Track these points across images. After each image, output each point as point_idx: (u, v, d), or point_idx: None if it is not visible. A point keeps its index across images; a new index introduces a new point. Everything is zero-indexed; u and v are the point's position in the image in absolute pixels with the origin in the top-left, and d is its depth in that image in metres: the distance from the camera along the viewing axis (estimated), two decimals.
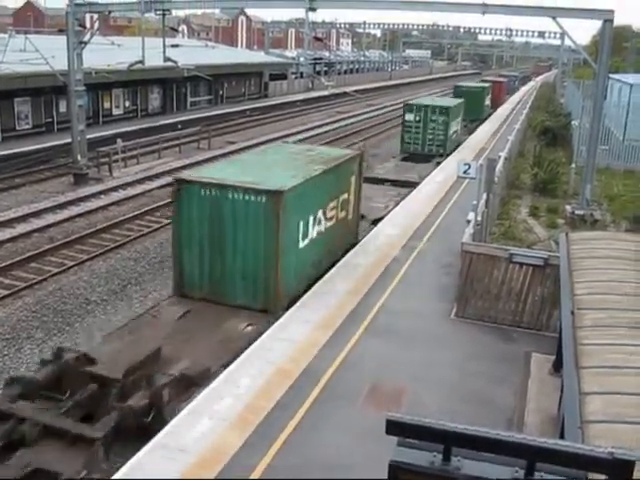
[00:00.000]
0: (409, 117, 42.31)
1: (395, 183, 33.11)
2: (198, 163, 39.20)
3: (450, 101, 48.13)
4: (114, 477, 9.90)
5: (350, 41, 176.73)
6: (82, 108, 34.62)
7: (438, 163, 38.28)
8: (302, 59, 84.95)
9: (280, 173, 17.35)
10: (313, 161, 19.21)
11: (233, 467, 10.24)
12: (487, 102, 65.60)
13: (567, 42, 78.23)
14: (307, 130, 55.30)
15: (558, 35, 77.21)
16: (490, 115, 64.22)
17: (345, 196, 20.18)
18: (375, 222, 25.08)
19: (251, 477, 10.07)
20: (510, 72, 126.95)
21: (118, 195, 31.38)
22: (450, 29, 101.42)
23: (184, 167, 37.76)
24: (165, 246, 24.71)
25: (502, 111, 67.95)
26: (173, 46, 41.57)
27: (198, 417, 11.50)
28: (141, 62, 34.75)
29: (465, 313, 16.64)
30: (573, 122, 46.33)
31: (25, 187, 32.46)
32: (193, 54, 52.14)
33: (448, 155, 40.29)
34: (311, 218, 17.58)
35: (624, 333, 9.20)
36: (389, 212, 26.31)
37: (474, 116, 57.84)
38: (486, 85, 68.01)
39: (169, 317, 15.58)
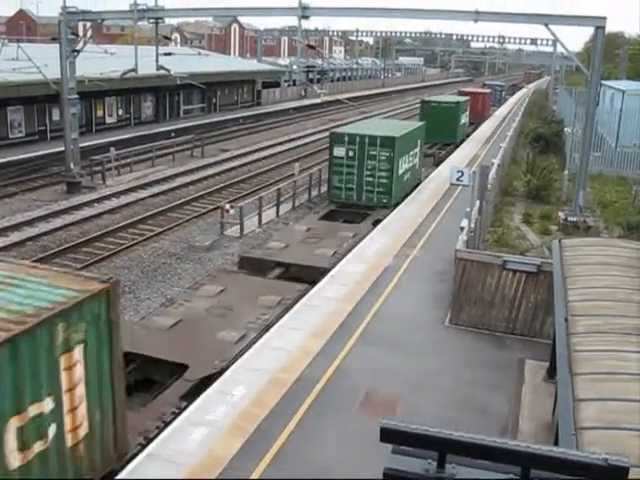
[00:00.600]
0: (338, 152, 30.05)
1: (288, 270, 21.17)
2: (191, 171, 39.25)
3: (401, 127, 35.51)
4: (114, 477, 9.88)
5: (343, 49, 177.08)
6: (75, 116, 34.60)
7: (376, 222, 26.98)
8: (295, 67, 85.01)
9: None
10: None
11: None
12: (464, 120, 54.10)
13: (559, 49, 78.71)
14: (300, 138, 55.38)
15: (550, 42, 77.68)
16: (469, 136, 53.89)
17: (35, 410, 8.79)
18: (192, 391, 13.18)
19: (251, 477, 10.07)
20: (494, 81, 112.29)
21: (111, 203, 31.32)
22: (443, 36, 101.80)
23: (177, 175, 37.83)
24: (159, 254, 24.75)
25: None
26: (166, 54, 41.52)
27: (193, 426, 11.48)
28: (134, 70, 34.75)
29: (459, 320, 16.65)
30: (566, 129, 46.50)
31: (18, 195, 32.39)
32: (186, 62, 52.17)
33: (396, 205, 29.35)
34: None
35: (618, 339, 9.21)
36: (229, 365, 14.05)
37: (447, 139, 48.12)
38: (462, 99, 56.02)
39: None
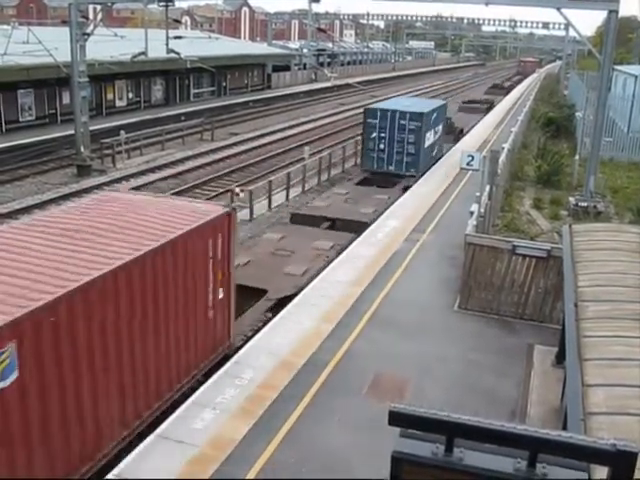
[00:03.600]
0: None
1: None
2: (201, 154, 39.26)
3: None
4: (110, 477, 9.87)
5: (353, 32, 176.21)
6: (85, 100, 34.60)
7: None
8: (305, 50, 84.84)
9: None
10: None
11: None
12: None
13: (572, 33, 78.06)
14: (310, 121, 55.23)
15: (562, 26, 77.00)
16: None
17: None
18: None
19: (250, 477, 10.08)
20: (396, 104, 36.17)
21: (121, 187, 31.33)
22: (454, 20, 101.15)
23: (187, 158, 37.84)
24: None
25: None
26: (176, 38, 41.52)
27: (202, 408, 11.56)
28: (144, 53, 34.76)
29: (468, 304, 16.65)
30: (577, 114, 46.24)
31: (29, 178, 32.49)
32: (196, 46, 52.04)
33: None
34: None
35: (627, 325, 9.19)
36: None
37: None
38: None
39: None
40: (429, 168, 33.29)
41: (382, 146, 31.17)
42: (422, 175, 31.60)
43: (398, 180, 30.90)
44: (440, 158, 36.43)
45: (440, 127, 36.13)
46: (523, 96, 68.89)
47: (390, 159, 31.13)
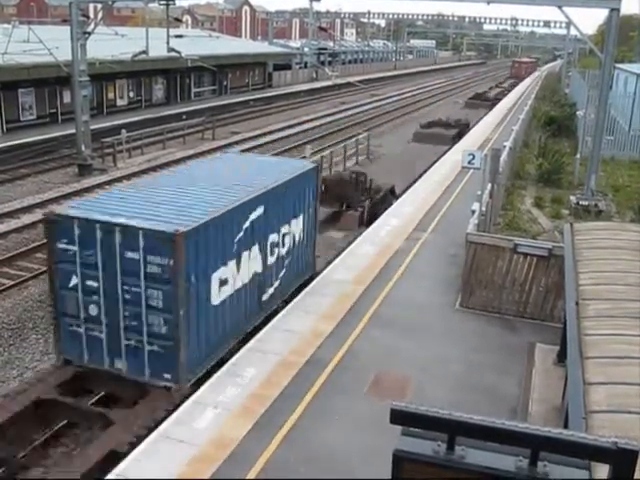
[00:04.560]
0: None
1: None
2: (202, 153, 39.25)
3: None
4: (110, 477, 9.86)
5: (354, 31, 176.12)
6: (86, 99, 34.56)
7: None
8: (306, 49, 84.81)
9: None
10: None
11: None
12: None
13: (573, 31, 78.00)
14: (311, 120, 55.19)
15: (564, 24, 76.98)
16: None
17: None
18: None
19: (250, 477, 10.08)
20: None
21: (122, 186, 31.30)
22: (455, 19, 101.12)
23: (188, 157, 37.83)
24: None
25: None
26: (177, 36, 41.50)
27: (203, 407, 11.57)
28: (145, 52, 34.75)
29: (469, 303, 16.64)
30: (578, 112, 46.20)
31: (30, 178, 32.48)
32: (197, 44, 52.02)
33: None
34: None
35: (628, 323, 9.19)
36: None
37: None
38: None
39: None
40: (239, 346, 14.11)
41: (94, 311, 12.49)
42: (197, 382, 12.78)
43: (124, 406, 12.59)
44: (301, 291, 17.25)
45: (298, 224, 17.11)
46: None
47: (114, 343, 12.55)
